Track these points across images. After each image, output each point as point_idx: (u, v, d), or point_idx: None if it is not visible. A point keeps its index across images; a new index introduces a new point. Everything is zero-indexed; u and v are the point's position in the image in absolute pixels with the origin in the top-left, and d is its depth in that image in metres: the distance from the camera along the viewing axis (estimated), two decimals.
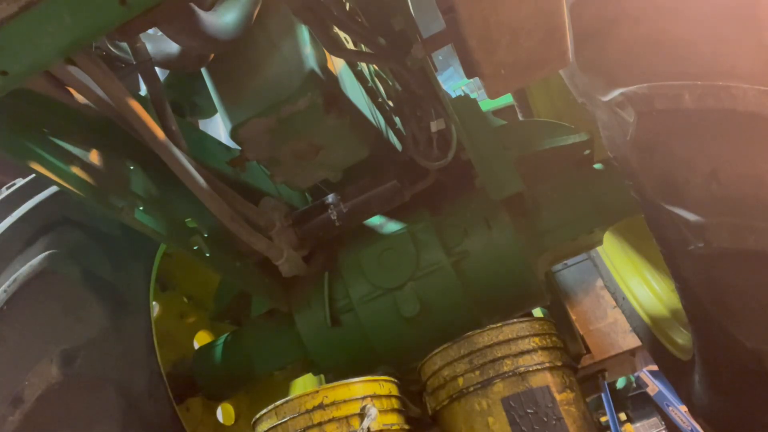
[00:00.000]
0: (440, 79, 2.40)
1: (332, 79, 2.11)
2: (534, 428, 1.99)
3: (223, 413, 3.17)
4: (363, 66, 2.45)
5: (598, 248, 3.35)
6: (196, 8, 1.63)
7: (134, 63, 1.93)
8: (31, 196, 2.27)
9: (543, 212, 2.60)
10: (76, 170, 1.83)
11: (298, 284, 2.71)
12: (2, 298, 1.95)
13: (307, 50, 2.04)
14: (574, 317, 3.62)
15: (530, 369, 2.07)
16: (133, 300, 2.36)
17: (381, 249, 2.58)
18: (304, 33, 2.06)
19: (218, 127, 3.14)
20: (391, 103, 2.62)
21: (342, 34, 2.15)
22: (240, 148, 2.19)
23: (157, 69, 2.01)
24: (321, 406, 1.96)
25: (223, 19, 1.78)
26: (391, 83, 2.61)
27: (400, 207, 2.60)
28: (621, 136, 1.69)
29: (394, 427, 2.05)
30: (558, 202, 2.60)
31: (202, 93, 2.45)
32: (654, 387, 6.75)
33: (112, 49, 2.03)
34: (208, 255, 2.28)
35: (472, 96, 2.69)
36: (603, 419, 6.88)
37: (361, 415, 1.97)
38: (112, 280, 2.30)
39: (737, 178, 1.47)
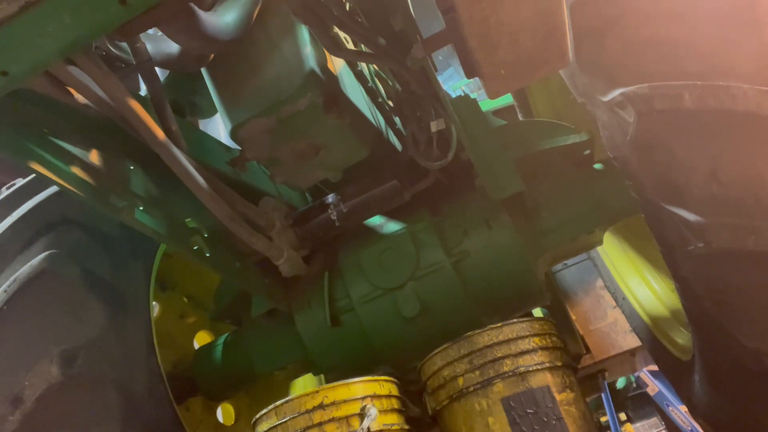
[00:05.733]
0: (440, 79, 2.40)
1: (332, 79, 2.11)
2: (534, 428, 1.99)
3: (223, 413, 3.17)
4: (363, 66, 2.45)
5: (598, 248, 3.35)
6: (196, 8, 1.63)
7: (134, 63, 1.93)
8: (31, 196, 2.27)
9: (543, 212, 2.60)
10: (76, 170, 1.83)
11: (298, 284, 2.71)
12: (2, 298, 1.95)
13: (307, 50, 2.04)
14: (574, 317, 3.62)
15: (530, 369, 2.07)
16: (133, 300, 2.36)
17: (381, 249, 2.58)
18: (304, 33, 2.06)
19: (218, 127, 3.14)
20: (391, 103, 2.61)
21: (342, 34, 2.15)
22: (240, 148, 2.19)
23: (157, 69, 2.01)
24: (321, 406, 1.96)
25: (223, 19, 1.78)
26: (391, 83, 2.60)
27: (400, 207, 2.60)
28: (621, 136, 1.69)
29: (394, 427, 2.05)
30: (558, 202, 2.60)
31: (202, 93, 2.45)
32: (654, 387, 6.75)
33: (112, 49, 2.03)
34: (208, 255, 2.28)
35: (472, 96, 2.69)
36: (603, 419, 6.88)
37: (361, 415, 1.97)
38: (112, 280, 2.30)
39: (737, 178, 1.47)
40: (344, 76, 2.24)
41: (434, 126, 2.31)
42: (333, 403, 1.97)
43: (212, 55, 2.09)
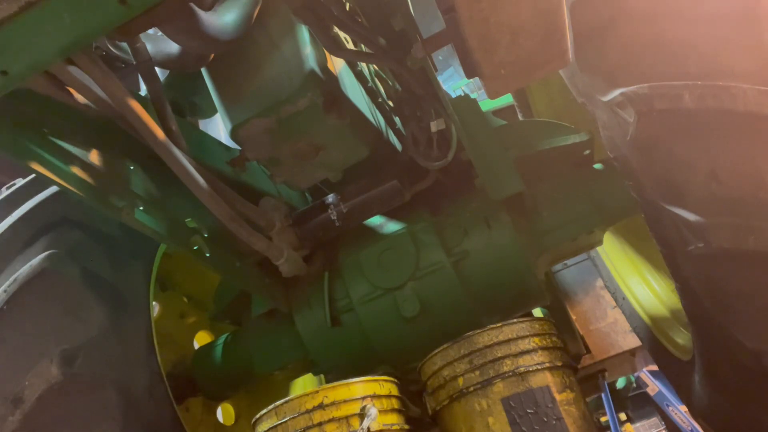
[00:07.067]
0: (440, 79, 2.40)
1: (332, 79, 2.11)
2: (534, 428, 1.99)
3: (223, 413, 3.17)
4: (363, 66, 2.45)
5: (598, 248, 3.35)
6: (196, 8, 1.63)
7: (134, 63, 1.93)
8: (31, 196, 2.27)
9: (543, 212, 2.60)
10: (76, 170, 1.83)
11: (298, 284, 2.71)
12: (2, 298, 1.95)
13: (307, 50, 2.04)
14: (574, 317, 3.62)
15: (530, 369, 2.07)
16: (133, 300, 2.36)
17: (381, 249, 2.58)
18: (304, 33, 2.07)
19: (218, 127, 3.14)
20: (391, 103, 2.62)
21: (342, 34, 2.15)
22: (240, 148, 2.19)
23: (157, 69, 2.01)
24: (321, 406, 1.96)
25: (223, 19, 1.78)
26: (391, 83, 2.61)
27: (400, 207, 2.61)
28: (621, 136, 1.69)
29: (394, 427, 2.05)
30: (558, 202, 2.60)
31: (202, 93, 2.45)
32: (654, 387, 6.76)
33: (112, 49, 2.03)
34: (208, 255, 2.28)
35: (472, 96, 2.69)
36: (603, 419, 6.89)
37: (361, 415, 1.97)
38: (112, 280, 2.30)
39: (737, 178, 1.47)
40: (344, 76, 2.24)
41: (434, 126, 2.31)
42: (333, 403, 1.97)
43: (212, 55, 2.09)
